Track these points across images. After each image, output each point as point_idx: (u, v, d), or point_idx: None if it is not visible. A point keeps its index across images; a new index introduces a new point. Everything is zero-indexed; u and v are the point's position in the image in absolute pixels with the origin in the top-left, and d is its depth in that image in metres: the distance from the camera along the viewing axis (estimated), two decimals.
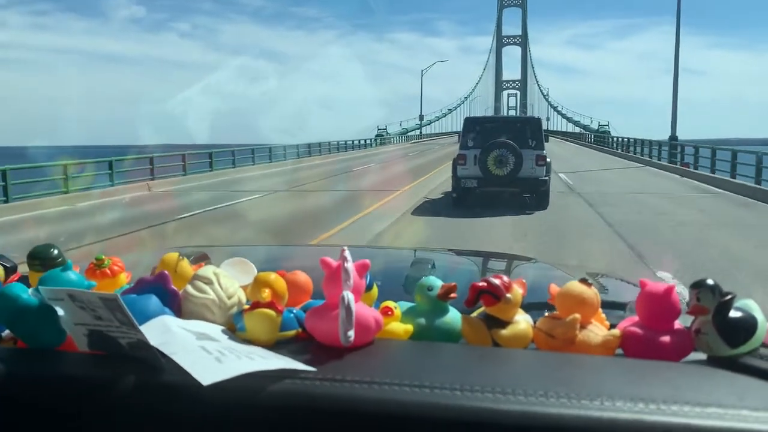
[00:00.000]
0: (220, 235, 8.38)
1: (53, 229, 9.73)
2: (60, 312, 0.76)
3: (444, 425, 0.63)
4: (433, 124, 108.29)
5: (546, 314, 0.83)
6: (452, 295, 0.85)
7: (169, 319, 0.78)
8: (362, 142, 44.42)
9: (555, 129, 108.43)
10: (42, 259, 0.94)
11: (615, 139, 36.62)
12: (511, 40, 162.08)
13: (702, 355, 0.77)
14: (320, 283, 0.81)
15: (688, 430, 0.59)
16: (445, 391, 0.65)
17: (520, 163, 11.06)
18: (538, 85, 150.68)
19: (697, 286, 0.75)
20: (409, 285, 1.12)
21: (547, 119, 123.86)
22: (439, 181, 15.46)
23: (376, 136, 53.43)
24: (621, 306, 1.01)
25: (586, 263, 6.45)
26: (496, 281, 0.80)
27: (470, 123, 12.23)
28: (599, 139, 42.93)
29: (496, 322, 0.81)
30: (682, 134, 22.68)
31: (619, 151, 31.59)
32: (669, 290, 0.78)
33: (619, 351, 0.80)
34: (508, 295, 0.80)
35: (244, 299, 0.85)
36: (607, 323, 0.85)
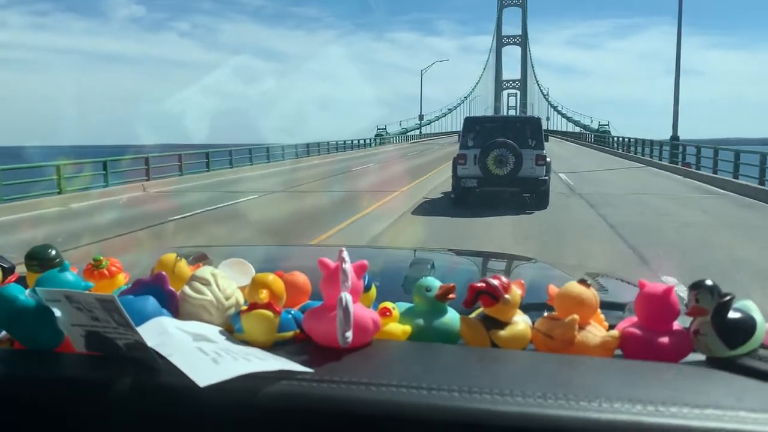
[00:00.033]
0: (213, 238, 8.25)
1: (43, 230, 9.57)
2: (57, 313, 0.76)
3: (442, 427, 0.62)
4: (432, 123, 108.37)
5: (545, 315, 0.83)
6: (450, 295, 0.85)
7: (167, 320, 0.78)
8: (362, 141, 44.30)
9: (555, 129, 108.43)
10: (40, 259, 0.94)
11: (615, 138, 36.47)
12: (511, 40, 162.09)
13: (701, 356, 0.77)
14: (319, 284, 0.81)
15: None
16: (443, 393, 0.64)
17: (520, 162, 11.07)
18: (538, 84, 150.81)
19: (696, 287, 0.75)
20: (408, 285, 1.12)
21: (547, 119, 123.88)
22: (439, 182, 15.42)
23: (376, 135, 53.43)
24: (620, 307, 1.00)
25: (586, 264, 6.43)
26: (495, 282, 0.80)
27: (470, 123, 12.24)
28: (599, 139, 42.83)
29: (495, 323, 0.81)
30: (682, 134, 22.62)
31: (620, 151, 31.47)
32: (668, 291, 0.78)
33: (618, 352, 0.80)
34: (507, 296, 0.80)
35: (241, 300, 0.85)
36: (606, 324, 0.85)
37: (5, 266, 1.03)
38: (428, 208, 11.40)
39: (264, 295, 0.79)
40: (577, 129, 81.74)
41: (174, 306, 0.83)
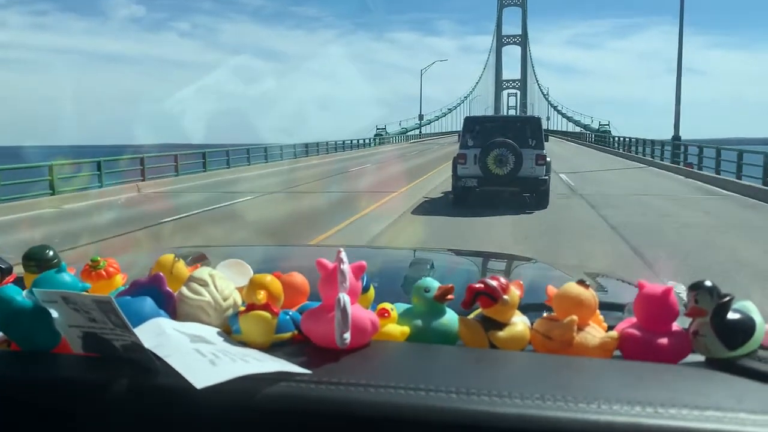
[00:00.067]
0: (207, 240, 8.02)
1: (32, 233, 9.36)
2: (54, 314, 0.76)
3: (440, 429, 0.62)
4: (432, 123, 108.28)
5: (544, 316, 0.83)
6: (449, 296, 0.84)
7: (164, 322, 0.78)
8: (361, 141, 44.23)
9: (555, 128, 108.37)
10: (37, 260, 0.94)
11: (616, 138, 36.33)
12: (511, 40, 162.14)
13: (700, 357, 0.76)
14: (317, 284, 0.80)
15: None
16: (441, 394, 0.64)
17: (520, 162, 11.08)
18: (538, 84, 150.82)
19: (696, 288, 0.75)
20: (408, 286, 1.12)
21: (548, 119, 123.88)
22: (438, 182, 15.38)
23: (375, 135, 53.41)
24: (619, 307, 1.00)
25: (586, 264, 6.39)
26: (493, 283, 0.80)
27: (470, 122, 12.25)
28: (600, 139, 42.72)
29: (493, 324, 0.81)
30: (682, 134, 22.50)
31: (621, 151, 31.38)
32: (667, 292, 0.78)
33: (617, 353, 0.80)
34: (505, 297, 0.80)
35: (239, 301, 0.85)
36: (605, 325, 0.85)
37: (2, 267, 1.02)
38: (428, 208, 11.38)
39: (262, 296, 0.79)
40: (578, 129, 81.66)
41: (171, 307, 0.83)
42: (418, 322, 0.85)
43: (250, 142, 26.11)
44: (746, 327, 0.74)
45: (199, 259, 1.36)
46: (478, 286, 0.80)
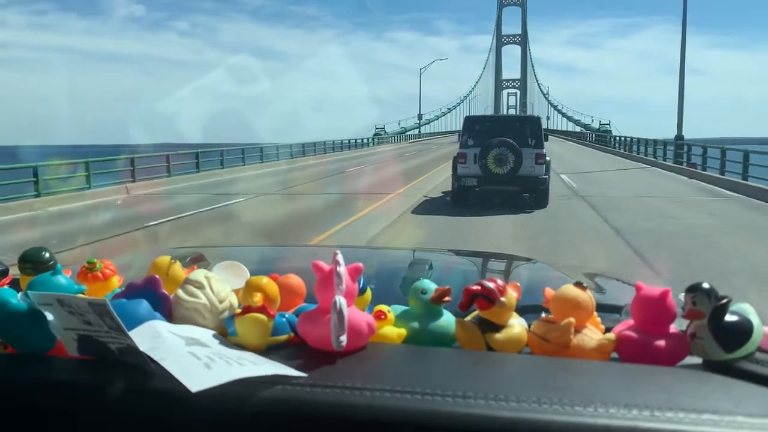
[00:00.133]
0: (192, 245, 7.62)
1: (6, 237, 9.01)
2: (49, 317, 0.76)
3: None
4: (432, 123, 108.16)
5: (541, 317, 0.83)
6: (446, 298, 0.84)
7: (159, 324, 0.77)
8: (360, 141, 44.05)
9: (555, 128, 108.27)
10: (33, 262, 0.94)
11: (617, 138, 36.09)
12: (511, 39, 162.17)
13: (697, 360, 0.76)
14: (314, 286, 0.80)
15: None
16: (437, 398, 0.64)
17: (520, 161, 11.09)
18: (538, 84, 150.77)
19: (693, 290, 0.75)
20: (406, 287, 1.12)
21: (548, 118, 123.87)
22: (437, 182, 15.31)
23: (374, 135, 53.38)
24: (617, 309, 1.00)
25: (587, 265, 6.33)
26: (490, 285, 0.80)
27: (470, 122, 12.25)
28: (601, 139, 42.54)
29: (491, 326, 0.81)
30: (683, 133, 22.44)
31: (622, 150, 31.20)
32: (664, 294, 0.77)
33: (615, 355, 0.80)
34: (503, 299, 0.80)
35: (236, 303, 0.85)
36: (602, 327, 0.84)
37: None
38: (428, 207, 11.35)
39: (258, 298, 0.79)
40: (578, 128, 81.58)
41: (167, 309, 0.83)
42: (415, 325, 0.84)
43: (250, 142, 25.85)
44: (744, 329, 0.74)
45: (197, 259, 1.36)
46: (475, 288, 0.79)
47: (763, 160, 13.73)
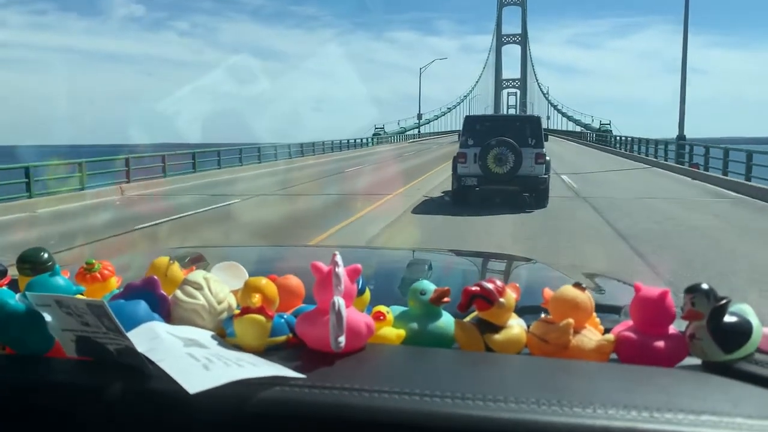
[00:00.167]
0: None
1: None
2: (47, 318, 0.76)
3: None
4: (432, 123, 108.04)
5: (541, 318, 0.83)
6: (445, 299, 0.84)
7: (158, 325, 0.77)
8: (359, 141, 43.93)
9: (555, 128, 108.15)
10: (32, 263, 0.94)
11: (618, 138, 35.85)
12: (511, 39, 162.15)
13: (697, 360, 0.76)
14: (312, 287, 0.80)
15: None
16: (436, 399, 0.64)
17: (520, 161, 11.11)
18: (538, 83, 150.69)
19: (692, 291, 0.75)
20: (406, 287, 1.12)
21: (548, 118, 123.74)
22: (437, 182, 15.28)
23: (374, 135, 53.35)
24: (616, 310, 1.00)
25: (587, 265, 6.29)
26: (489, 285, 0.80)
27: (470, 121, 12.26)
28: (601, 139, 42.41)
29: (490, 327, 0.81)
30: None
31: (623, 150, 31.06)
32: (663, 294, 0.77)
33: (614, 356, 0.79)
34: (501, 300, 0.80)
35: (234, 304, 0.85)
36: (602, 327, 0.84)
37: None
38: (428, 207, 11.34)
39: (256, 299, 0.79)
40: (578, 128, 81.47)
41: (166, 310, 0.83)
42: (414, 325, 0.84)
43: (250, 142, 25.67)
44: (743, 330, 0.74)
45: (196, 260, 1.36)
46: (474, 289, 0.79)
47: (766, 160, 13.60)
